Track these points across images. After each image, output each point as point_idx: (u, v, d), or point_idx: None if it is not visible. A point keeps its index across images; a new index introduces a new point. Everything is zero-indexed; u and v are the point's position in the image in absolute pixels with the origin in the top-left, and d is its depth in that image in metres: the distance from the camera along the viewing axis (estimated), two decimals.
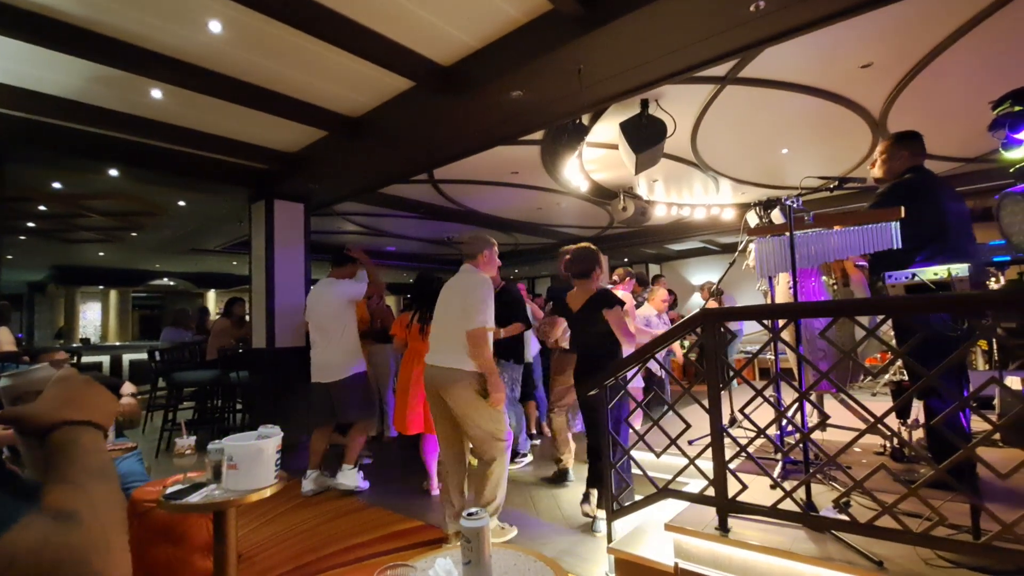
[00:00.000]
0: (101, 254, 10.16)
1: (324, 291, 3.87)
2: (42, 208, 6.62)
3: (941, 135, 5.06)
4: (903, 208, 2.20)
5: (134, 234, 8.25)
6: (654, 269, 12.27)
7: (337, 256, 4.00)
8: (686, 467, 2.24)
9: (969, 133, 5.00)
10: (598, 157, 5.38)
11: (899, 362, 3.03)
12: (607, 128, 4.43)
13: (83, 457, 0.53)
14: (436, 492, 3.72)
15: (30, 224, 7.42)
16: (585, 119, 4.33)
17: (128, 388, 2.63)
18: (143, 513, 2.42)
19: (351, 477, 3.79)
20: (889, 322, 2.51)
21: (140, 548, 2.45)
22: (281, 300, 5.32)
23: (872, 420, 1.77)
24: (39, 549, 0.44)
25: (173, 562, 2.42)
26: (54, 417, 0.55)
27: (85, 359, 9.30)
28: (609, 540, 2.43)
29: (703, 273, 11.31)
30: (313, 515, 3.34)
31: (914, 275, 2.11)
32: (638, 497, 2.40)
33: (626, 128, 3.90)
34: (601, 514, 2.94)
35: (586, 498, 3.14)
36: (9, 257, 9.40)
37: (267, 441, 1.87)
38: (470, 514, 1.12)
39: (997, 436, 1.93)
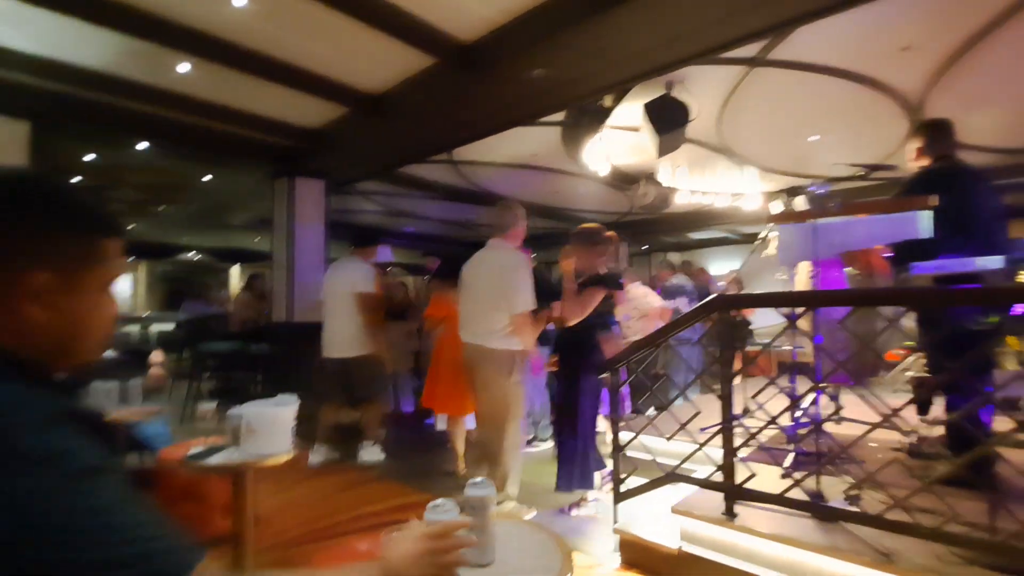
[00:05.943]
0: (132, 227, 10.42)
1: (347, 268, 3.91)
2: (77, 180, 6.80)
3: (982, 124, 4.84)
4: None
5: (161, 208, 8.44)
6: (673, 257, 12.08)
7: (360, 236, 4.06)
8: (695, 452, 2.23)
9: (1012, 122, 4.77)
10: (620, 140, 5.28)
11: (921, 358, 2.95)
12: (630, 110, 4.34)
13: None
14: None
15: None
16: (608, 100, 4.25)
17: (157, 357, 2.74)
18: (168, 472, 2.54)
19: (373, 453, 3.93)
20: (913, 317, 2.44)
21: (166, 505, 2.57)
22: (301, 275, 5.40)
23: (888, 413, 1.74)
24: None
25: (196, 519, 2.54)
26: None
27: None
28: (615, 521, 2.45)
29: (724, 262, 11.09)
30: (326, 485, 3.43)
31: (942, 267, 2.04)
32: (644, 480, 2.41)
33: (650, 109, 3.82)
34: (592, 495, 2.93)
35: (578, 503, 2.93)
36: None
37: (284, 408, 1.92)
38: (474, 483, 1.14)
39: (1022, 436, 1.87)
